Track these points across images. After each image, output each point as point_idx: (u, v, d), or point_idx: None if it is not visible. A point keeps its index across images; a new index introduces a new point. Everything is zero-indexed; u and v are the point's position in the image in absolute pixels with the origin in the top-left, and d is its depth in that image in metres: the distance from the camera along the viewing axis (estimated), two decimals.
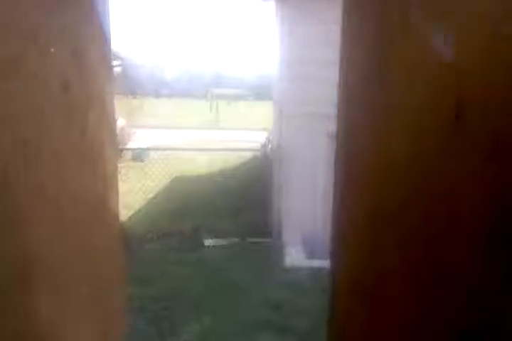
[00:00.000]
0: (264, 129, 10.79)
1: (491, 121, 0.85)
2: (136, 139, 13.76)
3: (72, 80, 1.20)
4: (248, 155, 10.85)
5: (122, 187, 7.32)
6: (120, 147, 11.09)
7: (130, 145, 12.43)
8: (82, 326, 1.22)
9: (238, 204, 7.82)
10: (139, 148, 11.43)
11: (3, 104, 0.94)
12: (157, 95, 31.57)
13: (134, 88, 25.18)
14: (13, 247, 0.98)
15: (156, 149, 10.71)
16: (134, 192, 8.23)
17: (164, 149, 9.83)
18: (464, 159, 0.83)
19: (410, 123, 0.92)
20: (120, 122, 13.91)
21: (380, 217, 1.03)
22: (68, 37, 1.19)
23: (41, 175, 1.07)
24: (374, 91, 1.06)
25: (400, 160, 0.96)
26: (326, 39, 5.28)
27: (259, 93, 27.37)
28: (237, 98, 28.77)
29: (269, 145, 8.74)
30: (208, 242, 6.32)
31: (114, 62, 14.54)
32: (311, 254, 5.85)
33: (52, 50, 1.14)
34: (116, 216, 1.46)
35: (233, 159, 11.24)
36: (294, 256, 5.83)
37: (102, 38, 1.36)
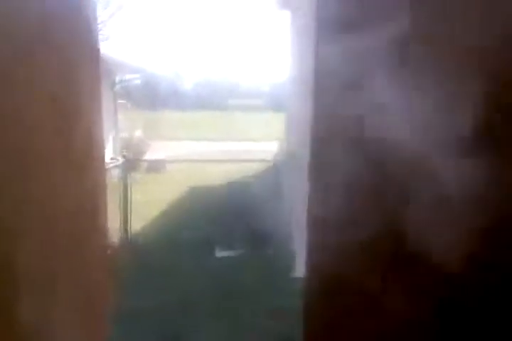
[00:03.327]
0: (278, 139, 10.84)
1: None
2: (153, 151, 13.91)
3: (60, 92, 1.25)
4: (261, 165, 10.90)
5: (138, 198, 7.39)
6: (136, 158, 11.24)
7: (146, 156, 12.57)
8: (67, 334, 1.26)
9: (251, 215, 7.85)
10: (154, 160, 11.56)
11: None
12: (176, 106, 31.91)
13: (153, 100, 25.49)
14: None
15: (172, 161, 10.80)
16: (149, 203, 8.32)
17: (180, 161, 9.92)
18: None
19: None
20: (137, 134, 14.08)
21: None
22: (57, 52, 1.24)
23: (28, 184, 1.13)
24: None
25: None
26: None
27: (275, 103, 27.49)
28: (253, 108, 28.91)
29: (282, 156, 8.77)
30: (220, 253, 6.36)
31: (133, 75, 14.76)
32: None
33: (41, 64, 1.20)
34: (104, 225, 1.51)
35: (247, 170, 11.30)
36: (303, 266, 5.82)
37: (91, 53, 1.42)
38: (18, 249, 1.10)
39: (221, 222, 7.58)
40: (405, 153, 0.96)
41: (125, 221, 7.09)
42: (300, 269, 5.75)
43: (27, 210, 1.14)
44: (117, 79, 12.96)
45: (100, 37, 8.50)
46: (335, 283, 1.10)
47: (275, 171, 8.15)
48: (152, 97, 25.14)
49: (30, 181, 1.15)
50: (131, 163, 7.99)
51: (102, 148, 1.42)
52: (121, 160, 7.45)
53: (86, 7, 1.36)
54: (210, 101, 32.47)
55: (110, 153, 11.33)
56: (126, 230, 7.09)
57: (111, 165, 7.90)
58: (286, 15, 8.77)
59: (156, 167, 10.97)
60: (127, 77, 13.77)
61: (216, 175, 11.08)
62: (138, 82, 18.63)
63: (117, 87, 13.18)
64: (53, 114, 1.26)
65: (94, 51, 1.45)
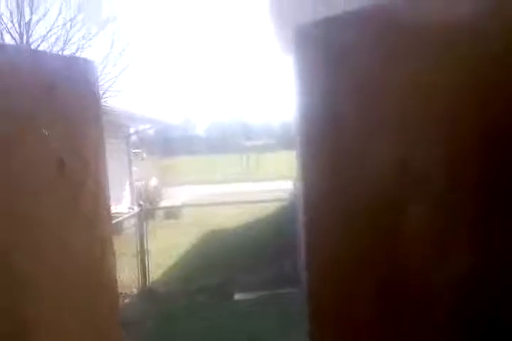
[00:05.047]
0: (291, 178, 10.92)
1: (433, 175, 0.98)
2: (170, 197, 14.07)
3: (66, 158, 1.35)
4: (277, 205, 10.93)
5: (156, 245, 7.42)
6: (153, 206, 11.38)
7: (163, 203, 12.72)
8: None
9: (268, 256, 7.83)
10: (171, 206, 11.67)
11: (3, 185, 1.09)
12: (190, 152, 32.37)
13: (166, 148, 25.95)
14: (13, 309, 1.10)
15: (188, 206, 10.90)
16: (167, 250, 8.37)
17: (195, 205, 10.01)
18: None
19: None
20: (153, 182, 14.29)
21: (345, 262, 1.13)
22: (61, 116, 1.35)
23: (40, 244, 1.21)
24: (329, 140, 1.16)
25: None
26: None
27: (286, 142, 27.76)
28: (266, 148, 29.22)
29: (296, 194, 8.82)
30: (238, 296, 6.34)
31: (146, 126, 15.11)
32: None
33: (46, 132, 1.31)
34: (113, 277, 1.57)
35: (263, 210, 11.33)
36: None
37: (95, 115, 1.53)
38: (30, 303, 1.17)
39: (237, 264, 7.56)
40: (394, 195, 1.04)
41: (143, 269, 7.13)
42: None
43: (39, 269, 1.22)
44: (131, 130, 13.31)
45: (112, 92, 8.76)
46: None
47: (292, 209, 8.18)
48: (165, 145, 25.64)
49: (40, 243, 1.23)
50: (147, 212, 8.10)
51: (108, 204, 1.51)
52: (137, 209, 7.57)
53: (88, 70, 1.46)
54: (222, 144, 32.91)
55: (127, 203, 11.51)
56: (145, 278, 7.12)
57: (128, 214, 8.02)
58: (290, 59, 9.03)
59: (173, 213, 11.07)
60: (140, 127, 14.14)
61: (234, 217, 11.13)
62: (151, 131, 19.06)
63: (131, 138, 13.52)
64: (59, 177, 1.34)
65: (98, 113, 1.55)
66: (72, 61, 1.45)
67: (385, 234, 1.00)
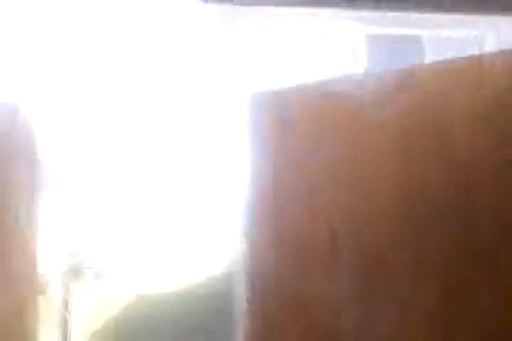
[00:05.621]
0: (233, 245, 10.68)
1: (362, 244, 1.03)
2: (100, 257, 13.36)
3: None
4: (213, 274, 10.59)
5: (82, 308, 6.87)
6: (81, 266, 10.70)
7: (91, 263, 12.01)
8: None
9: (204, 326, 7.43)
10: (99, 267, 11.04)
11: None
12: None
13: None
14: None
15: (119, 266, 10.35)
16: (93, 314, 7.78)
17: (126, 267, 9.50)
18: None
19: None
20: (82, 241, 13.59)
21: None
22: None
23: None
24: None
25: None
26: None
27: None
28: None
29: (236, 263, 8.58)
30: None
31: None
32: None
33: None
34: (34, 334, 1.39)
35: (199, 277, 10.92)
36: None
37: (28, 164, 1.38)
38: None
39: (169, 333, 7.11)
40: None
41: (64, 334, 6.52)
42: None
43: None
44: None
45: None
46: None
47: (229, 279, 7.90)
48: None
49: None
50: (74, 272, 7.58)
51: (36, 265, 1.35)
52: (63, 268, 7.05)
53: (23, 117, 1.38)
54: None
55: (54, 262, 10.78)
56: None
57: (53, 274, 7.47)
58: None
59: (101, 274, 10.44)
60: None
61: (167, 283, 10.62)
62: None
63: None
64: None
65: (33, 158, 1.43)
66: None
67: (323, 303, 1.05)
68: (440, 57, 5.58)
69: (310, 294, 1.12)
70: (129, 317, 8.47)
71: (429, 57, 5.55)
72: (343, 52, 5.46)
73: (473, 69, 1.06)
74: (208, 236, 22.23)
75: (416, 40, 5.73)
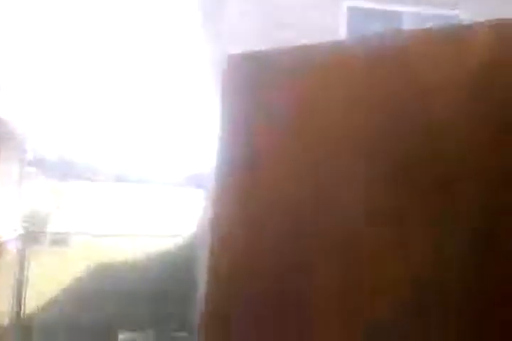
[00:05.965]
0: (196, 215, 10.62)
1: None
2: (60, 223, 13.11)
3: None
4: (175, 241, 10.53)
5: (37, 273, 6.70)
6: (39, 230, 10.47)
7: (50, 229, 11.77)
8: None
9: (160, 294, 7.38)
10: (59, 232, 10.83)
11: None
12: (89, 178, 30.92)
13: (65, 170, 24.61)
14: None
15: (79, 234, 10.18)
16: (49, 280, 7.62)
17: (86, 234, 9.35)
18: None
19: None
20: (43, 204, 13.29)
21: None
22: None
23: None
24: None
25: None
26: None
27: (191, 181, 27.52)
28: (173, 185, 28.70)
29: (198, 232, 8.53)
30: (123, 335, 5.81)
31: (46, 144, 14.16)
32: None
33: None
34: None
35: (160, 245, 10.85)
36: None
37: None
38: None
39: (125, 301, 7.04)
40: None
41: (19, 300, 6.37)
42: None
43: None
44: (28, 146, 12.39)
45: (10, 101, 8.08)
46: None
47: (188, 247, 7.85)
48: (65, 168, 24.32)
49: None
50: (32, 236, 7.38)
51: None
52: (21, 231, 6.85)
53: None
54: (129, 175, 31.85)
55: (12, 224, 10.51)
56: (19, 309, 6.35)
57: (10, 236, 7.25)
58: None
59: (60, 240, 10.25)
60: (39, 145, 13.22)
61: (125, 250, 10.52)
62: (51, 151, 17.99)
63: (27, 155, 12.57)
64: None
65: None
66: None
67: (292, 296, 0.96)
68: None
69: (282, 269, 1.01)
70: (85, 284, 8.34)
71: None
72: (324, 23, 5.35)
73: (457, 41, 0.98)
74: (170, 201, 21.98)
75: (396, 16, 5.66)
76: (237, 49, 5.00)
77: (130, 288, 7.76)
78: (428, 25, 5.51)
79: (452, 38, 0.97)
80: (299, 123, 1.05)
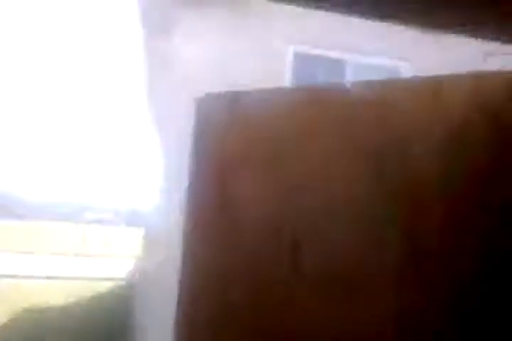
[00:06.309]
0: (133, 257, 10.23)
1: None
2: None
3: None
4: (112, 284, 10.04)
5: None
6: None
7: None
8: None
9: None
10: None
11: None
12: (18, 217, 29.34)
13: None
14: None
15: (8, 276, 9.55)
16: None
17: (13, 277, 8.77)
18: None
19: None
20: None
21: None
22: None
23: None
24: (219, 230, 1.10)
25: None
26: None
27: (131, 219, 26.73)
28: (107, 223, 27.71)
29: (136, 275, 8.19)
30: None
31: None
32: None
33: None
34: None
35: (96, 288, 10.32)
36: None
37: None
38: None
39: None
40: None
41: None
42: None
43: None
44: None
45: None
46: None
47: (128, 291, 7.50)
48: None
49: None
50: None
51: None
52: None
53: None
54: (61, 213, 30.38)
55: None
56: None
57: None
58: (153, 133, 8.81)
59: None
60: None
61: (57, 294, 9.92)
62: None
63: None
64: None
65: None
66: None
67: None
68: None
69: (264, 312, 0.99)
70: (15, 331, 7.74)
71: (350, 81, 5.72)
72: (271, 68, 5.47)
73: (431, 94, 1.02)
74: (106, 239, 21.17)
75: (339, 63, 5.89)
76: (187, 89, 5.01)
77: (58, 332, 7.27)
78: (371, 75, 5.76)
79: (429, 89, 0.99)
80: (273, 167, 1.06)
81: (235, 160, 1.10)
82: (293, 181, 1.02)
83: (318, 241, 0.99)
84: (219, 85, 5.33)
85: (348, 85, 1.08)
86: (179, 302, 1.08)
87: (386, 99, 0.99)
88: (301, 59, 5.66)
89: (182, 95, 5.72)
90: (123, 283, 8.99)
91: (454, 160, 0.94)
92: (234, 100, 1.11)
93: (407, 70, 5.76)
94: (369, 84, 1.04)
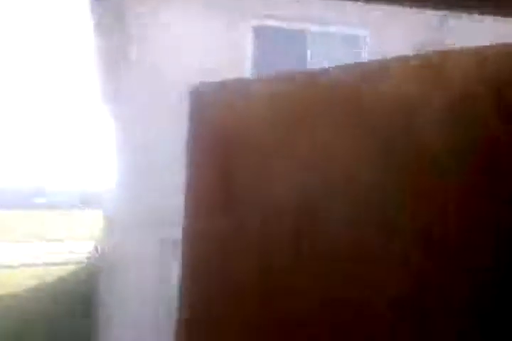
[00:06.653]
0: (93, 239, 10.07)
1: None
2: None
3: None
4: (73, 267, 9.88)
5: None
6: None
7: None
8: None
9: (57, 325, 6.84)
10: None
11: None
12: None
13: None
14: None
15: None
16: None
17: None
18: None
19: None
20: None
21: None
22: None
23: None
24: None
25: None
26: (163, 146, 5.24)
27: (89, 202, 26.25)
28: (66, 207, 27.14)
29: (97, 256, 8.06)
30: None
31: None
32: None
33: None
34: None
35: (58, 272, 10.13)
36: None
37: None
38: None
39: (19, 334, 6.45)
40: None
41: None
42: None
43: None
44: None
45: None
46: None
47: (87, 273, 7.38)
48: None
49: None
50: None
51: None
52: None
53: None
54: (16, 200, 29.49)
55: None
56: None
57: None
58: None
59: None
60: None
61: (17, 280, 9.70)
62: None
63: None
64: None
65: None
66: None
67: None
68: (322, 53, 5.72)
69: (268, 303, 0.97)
70: None
71: (312, 51, 5.67)
72: (230, 43, 5.36)
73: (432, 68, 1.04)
74: (66, 223, 20.82)
75: (300, 35, 5.80)
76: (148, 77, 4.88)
77: (25, 319, 7.14)
78: (333, 45, 5.70)
79: (431, 63, 1.01)
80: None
81: (235, 146, 1.07)
82: (297, 163, 1.00)
83: (322, 225, 0.99)
84: (185, 65, 5.18)
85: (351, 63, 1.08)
86: (183, 278, 1.05)
87: (389, 76, 1.00)
88: (261, 32, 5.57)
89: (147, 83, 5.56)
90: (83, 265, 8.86)
91: (460, 135, 0.93)
92: (232, 88, 1.08)
93: (367, 39, 5.74)
94: (374, 61, 1.04)
